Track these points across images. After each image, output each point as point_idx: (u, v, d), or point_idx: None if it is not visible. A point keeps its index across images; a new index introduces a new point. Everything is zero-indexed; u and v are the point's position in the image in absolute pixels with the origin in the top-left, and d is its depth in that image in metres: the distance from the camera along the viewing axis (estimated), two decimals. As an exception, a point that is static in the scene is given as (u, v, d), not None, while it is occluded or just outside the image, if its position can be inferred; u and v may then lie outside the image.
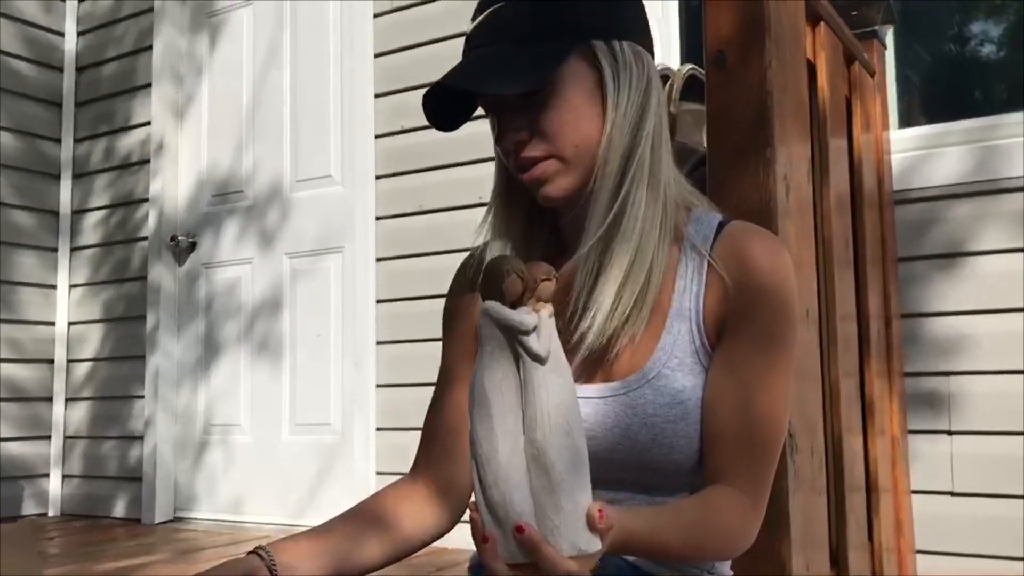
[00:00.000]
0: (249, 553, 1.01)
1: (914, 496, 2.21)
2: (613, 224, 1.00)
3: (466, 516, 0.85)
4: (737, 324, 1.01)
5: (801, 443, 1.48)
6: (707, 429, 1.01)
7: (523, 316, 0.79)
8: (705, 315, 1.02)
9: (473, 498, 0.81)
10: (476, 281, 1.13)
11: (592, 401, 1.01)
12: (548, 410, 0.78)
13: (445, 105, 1.05)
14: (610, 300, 0.99)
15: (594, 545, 0.78)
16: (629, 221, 1.00)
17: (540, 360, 0.79)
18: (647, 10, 1.11)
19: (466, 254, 1.22)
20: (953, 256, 2.24)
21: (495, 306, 0.79)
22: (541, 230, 1.11)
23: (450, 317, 1.20)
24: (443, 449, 1.15)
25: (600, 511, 0.78)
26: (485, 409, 0.79)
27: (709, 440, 1.01)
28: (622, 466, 1.01)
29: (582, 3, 1.02)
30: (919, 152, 2.33)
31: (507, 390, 0.79)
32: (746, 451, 1.00)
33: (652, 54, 1.08)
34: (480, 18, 1.03)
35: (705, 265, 1.03)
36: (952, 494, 2.19)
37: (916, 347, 2.26)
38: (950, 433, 2.21)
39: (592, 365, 1.03)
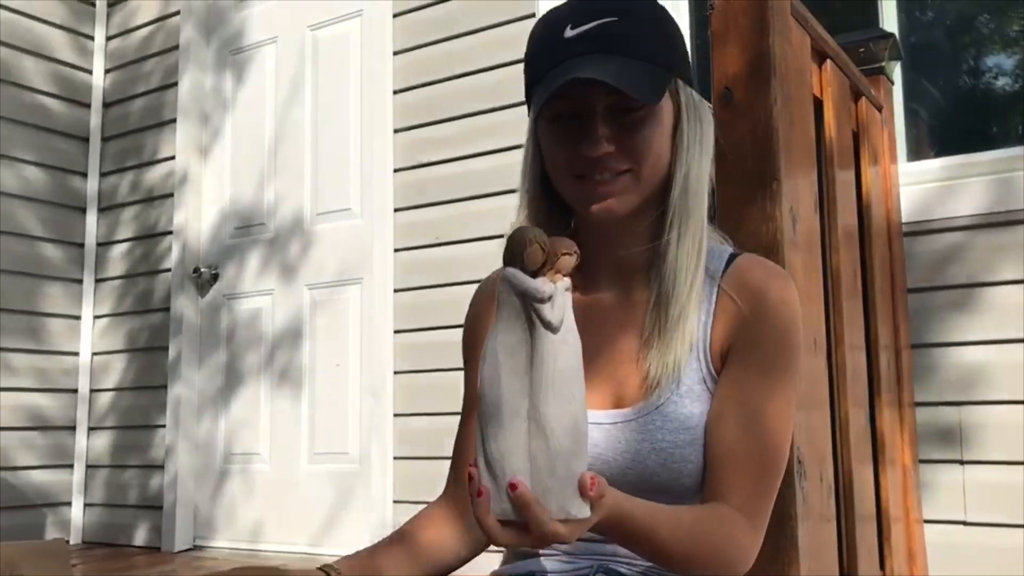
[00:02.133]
0: (318, 569, 1.08)
1: (926, 525, 2.22)
2: (697, 268, 1.05)
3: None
4: (744, 351, 1.04)
5: (810, 471, 1.50)
6: (709, 451, 1.03)
7: (540, 284, 0.82)
8: (712, 343, 1.06)
9: (474, 453, 0.84)
10: (492, 308, 1.17)
11: (604, 427, 1.05)
12: (554, 377, 0.81)
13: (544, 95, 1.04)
14: (689, 342, 1.05)
15: (583, 512, 0.81)
16: (702, 266, 1.06)
17: (552, 328, 0.82)
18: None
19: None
20: (963, 287, 2.27)
21: (515, 272, 0.83)
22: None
23: (469, 345, 1.24)
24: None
25: (592, 479, 0.81)
26: (495, 370, 0.83)
27: (711, 462, 1.03)
28: (632, 489, 1.04)
29: (673, 41, 1.08)
30: (929, 185, 2.36)
31: (518, 354, 0.83)
32: (747, 474, 1.02)
33: None
34: (586, 27, 1.04)
35: (714, 295, 1.07)
36: (965, 523, 2.20)
37: (927, 377, 2.28)
38: (962, 463, 2.22)
39: (605, 390, 1.07)
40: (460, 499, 1.18)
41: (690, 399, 1.04)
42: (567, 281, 0.84)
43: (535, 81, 1.06)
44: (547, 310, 0.82)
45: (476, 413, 0.84)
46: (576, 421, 0.82)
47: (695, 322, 1.05)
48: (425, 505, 1.21)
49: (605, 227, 1.09)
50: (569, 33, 1.04)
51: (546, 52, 1.06)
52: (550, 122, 1.07)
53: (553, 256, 0.83)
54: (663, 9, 1.10)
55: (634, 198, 1.06)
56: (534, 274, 0.83)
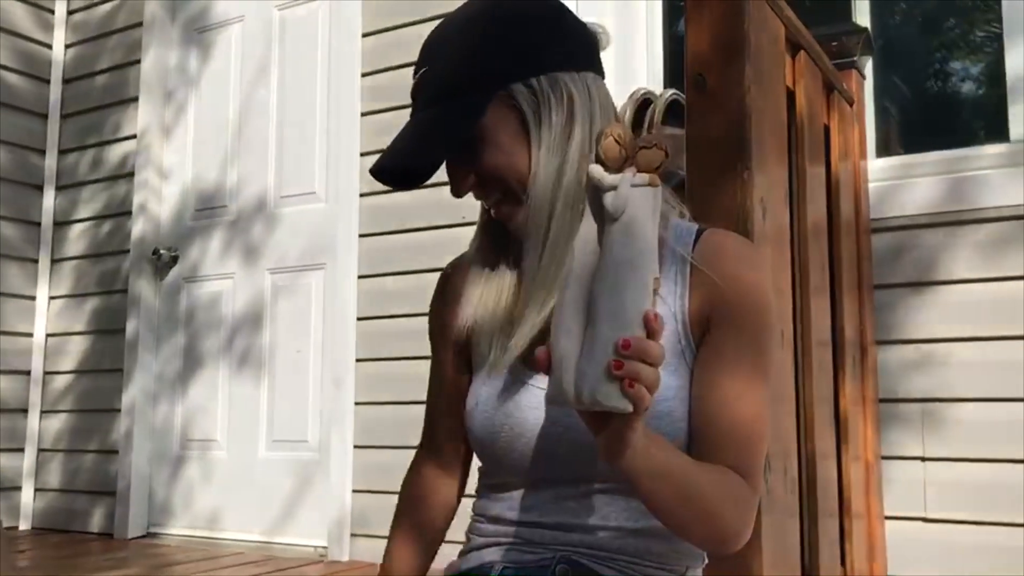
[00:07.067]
0: None
1: (887, 522, 2.22)
2: (552, 251, 1.03)
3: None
4: (722, 323, 1.03)
5: (775, 465, 1.49)
6: (701, 423, 1.01)
7: (602, 174, 0.85)
8: (689, 315, 1.04)
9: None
10: (454, 291, 1.16)
11: None
12: (606, 265, 0.83)
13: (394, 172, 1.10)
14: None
15: (613, 401, 0.79)
16: (564, 246, 1.02)
17: (608, 217, 0.84)
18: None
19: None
20: (927, 284, 2.27)
21: (592, 167, 0.86)
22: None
23: (431, 327, 1.26)
24: (439, 437, 1.25)
25: (626, 342, 0.79)
26: (569, 260, 0.87)
27: (704, 434, 1.01)
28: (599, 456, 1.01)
29: (493, 52, 1.06)
30: (895, 181, 2.36)
31: (589, 244, 0.85)
32: (741, 444, 1.01)
33: (589, 68, 1.09)
34: (413, 83, 1.10)
35: (687, 267, 1.05)
36: (925, 520, 2.20)
37: (891, 373, 2.28)
38: (923, 459, 2.23)
39: None
40: (437, 450, 1.24)
41: (667, 372, 1.01)
42: (643, 176, 0.84)
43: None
44: (608, 199, 0.84)
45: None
46: (621, 310, 0.81)
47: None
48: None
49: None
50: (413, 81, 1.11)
51: None
52: None
53: (632, 150, 0.84)
54: (487, 15, 1.08)
55: (525, 209, 1.06)
56: (613, 169, 0.85)
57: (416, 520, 1.24)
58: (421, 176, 1.09)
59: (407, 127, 1.08)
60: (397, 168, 1.08)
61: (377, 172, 1.08)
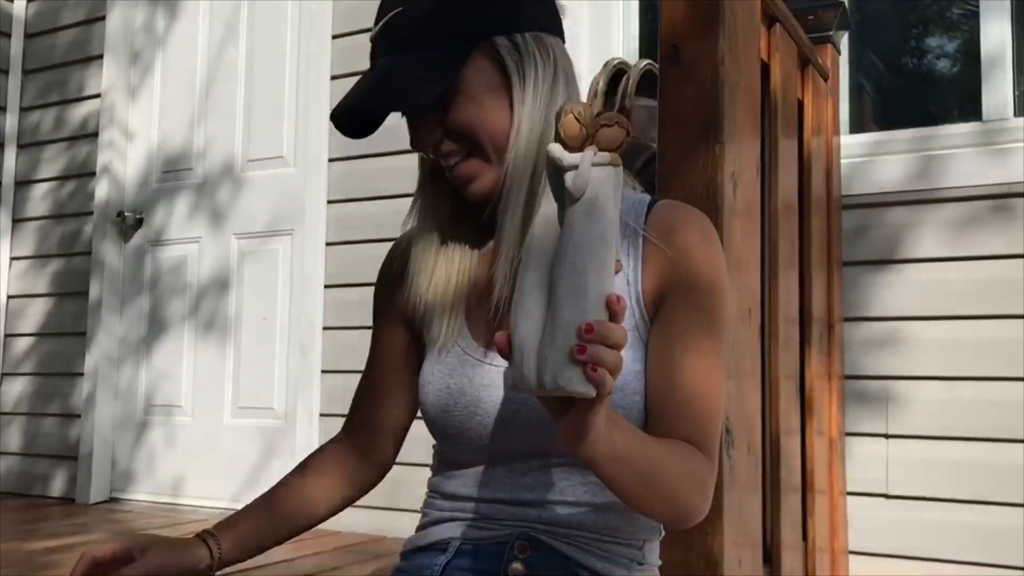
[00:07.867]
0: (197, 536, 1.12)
1: (849, 497, 2.24)
2: (531, 217, 1.00)
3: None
4: (676, 296, 1.01)
5: (738, 440, 1.49)
6: (657, 397, 1.00)
7: (562, 153, 0.82)
8: (643, 289, 1.02)
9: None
10: (403, 268, 1.13)
11: None
12: (567, 247, 0.80)
13: (357, 114, 1.05)
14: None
15: (575, 385, 0.77)
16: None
17: (570, 197, 0.81)
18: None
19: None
20: (896, 263, 2.28)
21: (551, 146, 0.84)
22: (467, 215, 1.10)
23: (377, 304, 1.23)
24: (365, 419, 1.22)
25: (589, 326, 0.76)
26: (529, 241, 0.85)
27: (660, 407, 1.00)
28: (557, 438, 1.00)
29: (480, 1, 1.02)
30: (867, 158, 2.36)
31: (550, 225, 0.83)
32: (698, 417, 0.99)
33: (560, 36, 1.08)
34: (379, 25, 1.03)
35: (640, 240, 1.03)
36: (886, 496, 2.23)
37: (856, 350, 2.29)
38: (887, 436, 2.24)
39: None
40: (353, 440, 1.23)
41: None
42: (605, 155, 0.82)
43: None
44: (568, 179, 0.81)
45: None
46: (583, 292, 0.78)
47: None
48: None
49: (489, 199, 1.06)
50: (373, 31, 1.04)
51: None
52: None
53: (592, 129, 0.82)
54: None
55: (494, 173, 1.03)
56: (574, 148, 0.83)
57: (286, 494, 1.26)
58: (373, 124, 1.06)
59: (376, 70, 1.03)
60: (363, 110, 1.03)
61: (340, 113, 1.02)
